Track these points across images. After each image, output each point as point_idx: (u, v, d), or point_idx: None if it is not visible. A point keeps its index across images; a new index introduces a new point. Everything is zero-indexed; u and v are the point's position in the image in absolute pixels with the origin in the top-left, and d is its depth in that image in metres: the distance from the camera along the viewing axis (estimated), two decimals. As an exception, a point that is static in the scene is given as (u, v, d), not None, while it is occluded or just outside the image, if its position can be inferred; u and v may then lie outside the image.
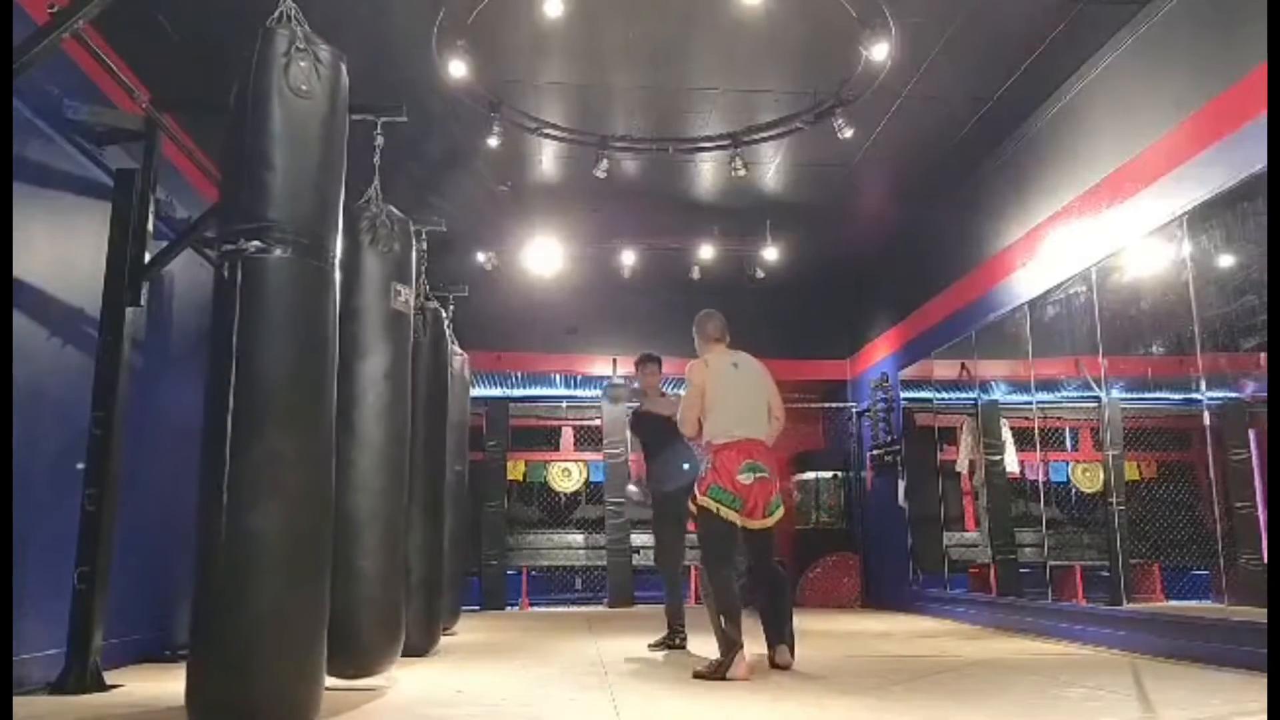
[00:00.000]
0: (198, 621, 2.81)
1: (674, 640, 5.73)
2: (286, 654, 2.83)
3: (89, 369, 4.23)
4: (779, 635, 4.60)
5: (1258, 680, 3.89)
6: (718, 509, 4.63)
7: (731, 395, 4.84)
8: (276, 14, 3.12)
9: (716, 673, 4.27)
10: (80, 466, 4.13)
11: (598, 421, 11.01)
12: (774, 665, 4.53)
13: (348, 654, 3.84)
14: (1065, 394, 7.05)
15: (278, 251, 2.96)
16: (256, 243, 2.93)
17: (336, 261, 3.20)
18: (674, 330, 10.78)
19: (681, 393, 5.58)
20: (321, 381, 3.06)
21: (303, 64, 3.05)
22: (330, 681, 3.84)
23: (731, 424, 4.76)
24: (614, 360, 10.88)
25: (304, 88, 3.04)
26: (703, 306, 5.33)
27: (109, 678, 4.03)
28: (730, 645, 4.32)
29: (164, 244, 4.63)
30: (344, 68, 3.24)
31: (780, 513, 4.78)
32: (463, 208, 8.11)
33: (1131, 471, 6.73)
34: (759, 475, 4.66)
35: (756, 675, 4.33)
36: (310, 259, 3.05)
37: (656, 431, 5.96)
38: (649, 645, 5.78)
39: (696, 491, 4.79)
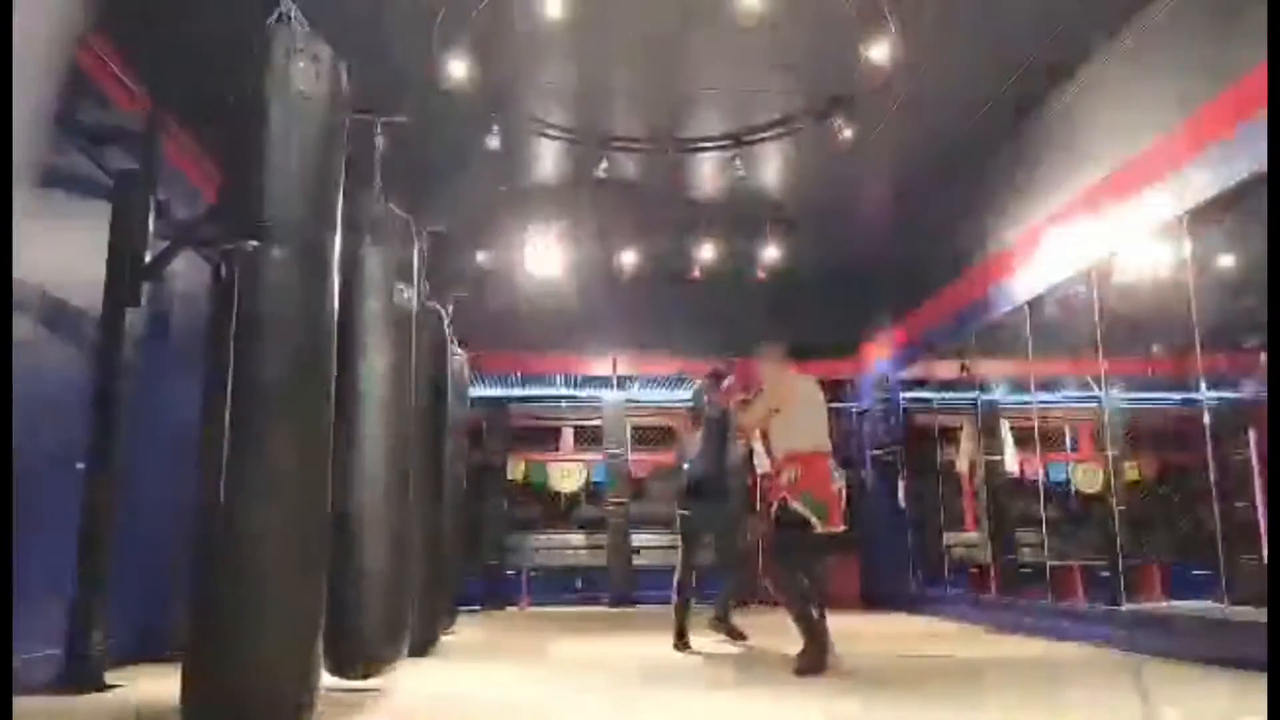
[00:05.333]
0: (194, 622, 2.81)
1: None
2: (282, 655, 2.83)
3: (89, 369, 4.23)
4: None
5: (1258, 680, 3.88)
6: (809, 516, 4.68)
7: (816, 410, 5.08)
8: (276, 14, 3.12)
9: (819, 660, 4.27)
10: (80, 466, 4.13)
11: (598, 421, 11.01)
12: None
13: (352, 654, 3.84)
14: (1065, 394, 7.05)
15: (275, 251, 2.97)
16: (254, 242, 2.94)
17: (335, 261, 3.20)
18: (674, 330, 10.87)
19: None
20: (319, 380, 3.06)
21: (302, 65, 3.05)
22: (334, 682, 3.86)
23: (818, 436, 4.96)
24: (614, 360, 10.87)
25: (303, 89, 3.05)
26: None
27: (109, 678, 4.03)
28: (822, 632, 4.37)
29: (164, 244, 4.63)
30: (344, 69, 3.24)
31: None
32: (463, 208, 8.10)
33: (1131, 471, 6.73)
34: (841, 485, 4.90)
35: (758, 676, 4.31)
36: (307, 258, 3.05)
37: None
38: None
39: (786, 495, 4.74)
